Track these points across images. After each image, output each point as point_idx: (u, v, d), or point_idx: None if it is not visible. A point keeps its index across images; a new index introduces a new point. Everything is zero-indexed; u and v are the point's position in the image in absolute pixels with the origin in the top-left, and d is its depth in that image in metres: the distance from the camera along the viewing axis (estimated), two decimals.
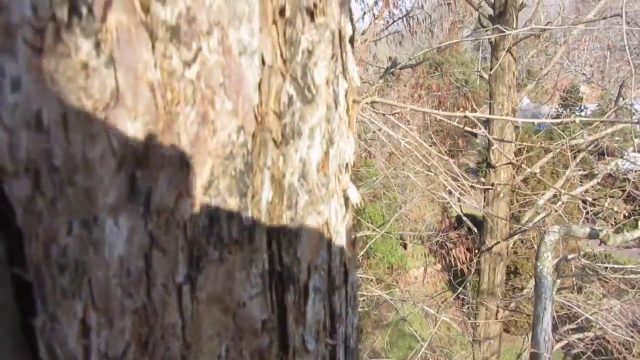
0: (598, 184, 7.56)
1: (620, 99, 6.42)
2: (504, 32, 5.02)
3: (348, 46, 0.54)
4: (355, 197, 0.60)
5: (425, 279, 10.00)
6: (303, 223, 0.49)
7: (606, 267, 5.64)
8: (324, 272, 0.54)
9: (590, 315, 5.59)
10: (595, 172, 7.46)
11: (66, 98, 0.28)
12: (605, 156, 7.81)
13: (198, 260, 0.39)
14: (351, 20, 0.56)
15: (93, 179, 0.30)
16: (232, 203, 0.41)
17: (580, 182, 7.74)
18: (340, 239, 0.58)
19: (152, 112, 0.33)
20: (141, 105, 0.33)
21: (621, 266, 5.86)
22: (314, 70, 0.45)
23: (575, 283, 6.58)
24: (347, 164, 0.57)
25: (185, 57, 0.34)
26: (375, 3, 6.40)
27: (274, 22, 0.41)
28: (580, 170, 7.73)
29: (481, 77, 8.38)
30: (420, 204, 9.16)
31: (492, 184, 7.54)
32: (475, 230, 8.17)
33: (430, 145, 6.88)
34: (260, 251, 0.44)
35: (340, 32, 0.50)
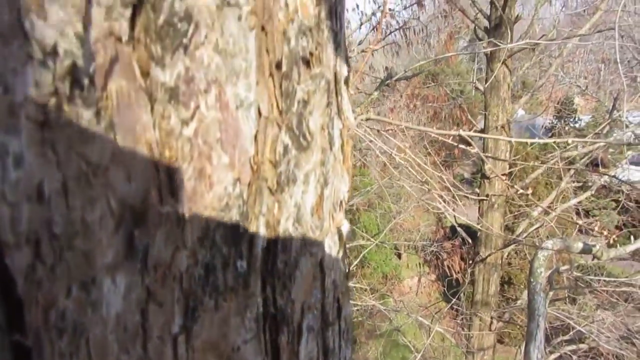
0: (592, 195, 7.60)
1: (615, 111, 6.46)
2: (499, 45, 5.06)
3: (343, 88, 0.54)
4: (346, 229, 0.61)
5: (420, 289, 10.00)
6: (297, 265, 0.49)
7: (599, 280, 5.66)
8: (317, 310, 0.54)
9: (583, 327, 5.60)
10: (589, 183, 7.50)
11: (67, 166, 0.29)
12: (600, 167, 7.86)
13: (194, 310, 0.39)
14: (346, 60, 0.57)
15: (92, 242, 0.31)
16: (228, 252, 0.41)
17: (575, 193, 7.78)
18: (333, 275, 0.58)
19: (150, 171, 0.34)
20: (139, 165, 0.33)
21: (614, 279, 5.88)
22: (309, 119, 0.46)
23: (568, 295, 6.60)
24: (341, 202, 0.58)
25: (184, 116, 0.35)
26: (373, 14, 6.44)
27: (271, 75, 0.42)
28: (574, 181, 7.77)
29: (476, 88, 8.43)
30: (415, 214, 9.17)
31: (487, 195, 7.57)
32: (470, 241, 8.19)
33: (426, 155, 6.90)
34: (255, 296, 0.45)
35: (335, 76, 0.51)
